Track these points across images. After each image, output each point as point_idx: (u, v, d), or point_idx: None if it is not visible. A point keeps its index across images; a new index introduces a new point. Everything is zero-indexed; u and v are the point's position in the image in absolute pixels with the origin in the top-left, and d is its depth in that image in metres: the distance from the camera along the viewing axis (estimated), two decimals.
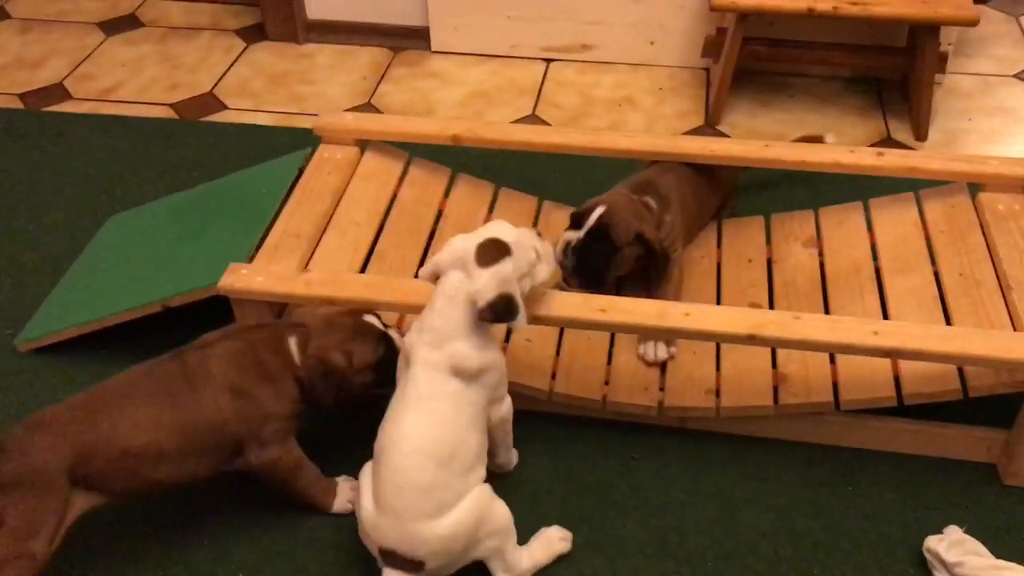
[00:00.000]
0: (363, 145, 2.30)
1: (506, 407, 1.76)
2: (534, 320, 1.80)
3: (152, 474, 1.64)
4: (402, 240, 2.17)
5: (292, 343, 1.73)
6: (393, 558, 1.62)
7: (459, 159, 2.44)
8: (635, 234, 2.04)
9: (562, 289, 1.99)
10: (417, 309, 1.78)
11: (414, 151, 2.35)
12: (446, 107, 2.99)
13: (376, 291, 1.86)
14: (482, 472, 1.68)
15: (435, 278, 1.68)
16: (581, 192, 2.29)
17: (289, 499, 1.79)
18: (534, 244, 1.72)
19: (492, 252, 1.65)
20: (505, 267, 1.64)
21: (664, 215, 2.13)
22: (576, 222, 2.04)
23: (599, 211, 2.02)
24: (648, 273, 2.14)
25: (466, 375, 1.63)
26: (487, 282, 1.62)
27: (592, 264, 2.03)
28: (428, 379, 1.63)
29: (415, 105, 3.00)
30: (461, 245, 1.67)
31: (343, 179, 2.20)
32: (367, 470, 1.68)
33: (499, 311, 1.62)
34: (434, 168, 2.36)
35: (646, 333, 1.98)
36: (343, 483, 1.82)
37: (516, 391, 1.88)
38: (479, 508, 1.63)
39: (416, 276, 2.02)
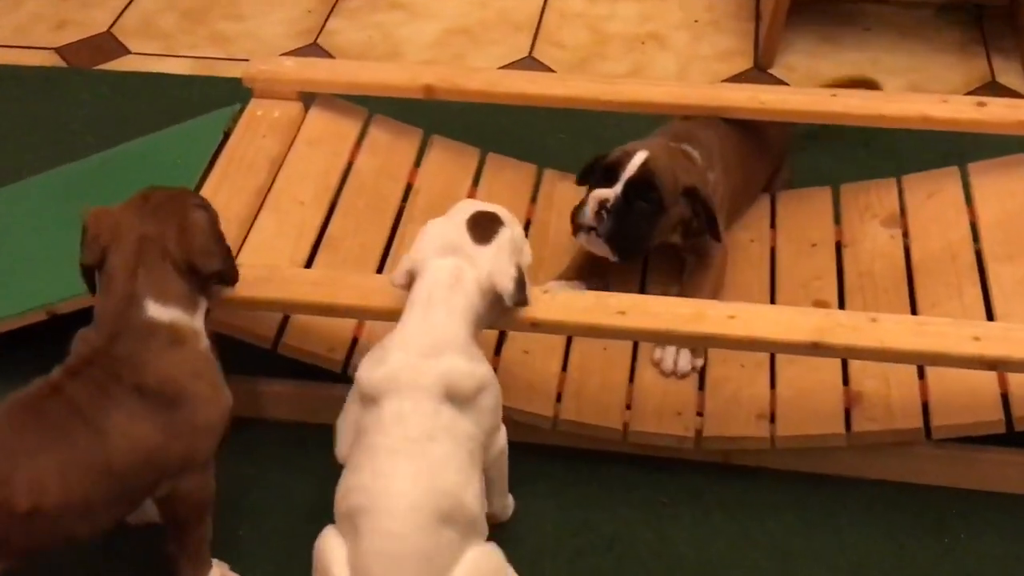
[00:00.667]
0: (308, 100, 2.31)
1: (503, 438, 1.77)
2: (534, 327, 1.81)
3: (72, 529, 1.66)
4: (360, 224, 2.18)
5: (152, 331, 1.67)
6: None
7: (433, 116, 2.45)
8: (684, 188, 2.03)
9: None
10: (381, 314, 1.80)
11: (374, 107, 2.36)
12: (416, 48, 3.00)
13: (328, 291, 1.87)
14: (484, 526, 1.68)
15: (412, 279, 1.69)
16: (592, 157, 2.30)
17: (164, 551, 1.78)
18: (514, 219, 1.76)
19: (488, 224, 1.69)
20: (506, 237, 1.69)
21: (708, 172, 2.13)
22: (608, 175, 2.03)
23: (641, 156, 2.02)
24: (679, 258, 2.15)
25: (461, 398, 1.64)
26: (496, 257, 1.67)
27: (632, 228, 2.02)
28: (418, 412, 1.61)
29: (375, 47, 3.01)
30: (442, 228, 1.69)
31: (283, 144, 2.21)
32: (330, 540, 1.65)
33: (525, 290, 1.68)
34: (401, 129, 2.38)
35: (677, 342, 1.99)
36: (217, 567, 1.82)
37: (512, 418, 1.89)
38: (489, 572, 1.64)
39: (392, 280, 2.01)
